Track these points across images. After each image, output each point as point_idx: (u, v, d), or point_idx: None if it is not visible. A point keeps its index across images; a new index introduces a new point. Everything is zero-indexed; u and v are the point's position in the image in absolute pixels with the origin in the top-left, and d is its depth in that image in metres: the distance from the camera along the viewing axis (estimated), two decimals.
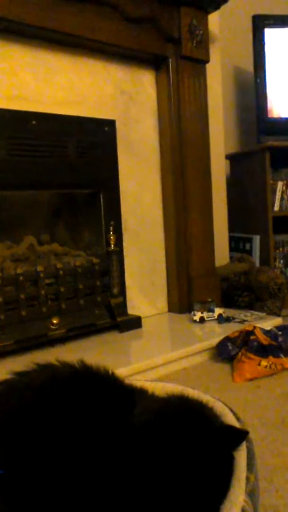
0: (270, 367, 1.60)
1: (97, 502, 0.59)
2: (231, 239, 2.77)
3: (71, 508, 0.59)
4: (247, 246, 2.76)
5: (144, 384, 0.88)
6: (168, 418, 0.65)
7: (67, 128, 1.86)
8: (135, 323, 2.00)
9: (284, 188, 2.70)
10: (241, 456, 0.67)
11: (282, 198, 2.69)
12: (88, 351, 1.72)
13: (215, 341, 1.77)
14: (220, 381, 1.58)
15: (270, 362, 1.60)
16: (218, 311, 2.05)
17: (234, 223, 2.77)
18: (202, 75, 2.25)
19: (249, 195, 2.76)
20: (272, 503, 0.91)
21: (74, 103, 1.93)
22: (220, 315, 2.04)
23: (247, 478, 0.64)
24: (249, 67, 2.79)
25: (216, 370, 1.68)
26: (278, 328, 1.79)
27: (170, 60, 2.13)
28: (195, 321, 2.04)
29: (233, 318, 2.06)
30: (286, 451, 1.11)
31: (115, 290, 1.97)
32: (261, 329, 1.75)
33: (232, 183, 2.89)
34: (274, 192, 2.68)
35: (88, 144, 1.93)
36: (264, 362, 1.60)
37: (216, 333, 1.89)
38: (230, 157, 2.88)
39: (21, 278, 1.69)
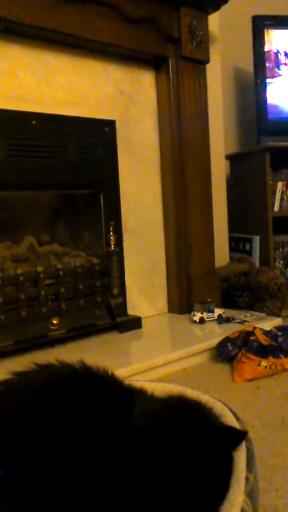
0: (270, 368, 1.60)
1: (97, 503, 0.59)
2: (231, 239, 2.77)
3: (71, 508, 0.59)
4: (247, 247, 2.76)
5: (144, 385, 0.88)
6: (167, 419, 0.65)
7: (67, 129, 1.86)
8: (135, 323, 2.00)
9: (284, 188, 2.70)
10: (240, 456, 0.67)
11: (282, 199, 2.69)
12: (88, 351, 1.72)
13: (215, 341, 1.77)
14: (220, 381, 1.58)
15: (270, 363, 1.60)
16: (218, 311, 2.05)
17: (234, 223, 2.77)
18: (202, 75, 2.25)
19: (249, 196, 2.76)
20: (272, 503, 0.91)
21: (74, 103, 1.93)
22: (220, 316, 2.04)
23: (247, 478, 0.64)
24: (249, 67, 2.79)
25: (216, 371, 1.68)
26: (278, 328, 1.79)
27: (170, 60, 2.13)
28: (195, 321, 2.04)
29: (233, 319, 2.06)
30: (286, 451, 1.11)
31: (115, 291, 1.97)
32: (261, 329, 1.75)
33: (232, 184, 2.89)
34: (274, 192, 2.68)
35: (88, 145, 1.93)
36: (264, 363, 1.60)
37: (216, 333, 1.89)
38: (230, 158, 2.88)
39: (21, 278, 1.69)
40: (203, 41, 2.19)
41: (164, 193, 2.25)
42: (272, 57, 2.71)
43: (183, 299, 2.24)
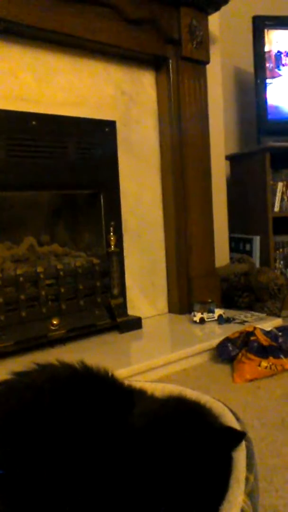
0: (270, 368, 1.60)
1: (97, 503, 0.59)
2: (231, 239, 2.77)
3: (71, 509, 0.59)
4: (247, 247, 2.76)
5: (144, 385, 0.88)
6: (167, 419, 0.65)
7: (67, 129, 1.86)
8: (135, 323, 2.00)
9: (284, 189, 2.70)
10: (240, 456, 0.67)
11: (282, 199, 2.69)
12: (88, 351, 1.72)
13: (215, 342, 1.77)
14: (220, 382, 1.58)
15: (270, 363, 1.60)
16: (218, 311, 2.05)
17: (234, 223, 2.77)
18: (202, 76, 2.25)
19: (249, 196, 2.76)
20: (271, 503, 0.91)
21: (74, 104, 1.93)
22: (220, 316, 2.04)
23: (247, 479, 0.64)
24: (249, 67, 2.79)
25: (216, 371, 1.68)
26: (278, 329, 1.78)
27: (170, 61, 2.13)
28: (195, 322, 2.04)
29: (233, 319, 2.06)
30: (286, 451, 1.11)
31: (115, 291, 1.97)
32: (261, 330, 1.75)
33: (232, 184, 2.89)
34: (274, 192, 2.68)
35: (88, 145, 1.93)
36: (264, 363, 1.60)
37: (216, 334, 1.89)
38: (230, 158, 2.88)
39: (21, 279, 1.69)
40: (203, 42, 2.19)
41: (164, 193, 2.25)
42: (272, 57, 2.71)
43: (183, 299, 2.24)
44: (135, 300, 2.15)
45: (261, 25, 2.66)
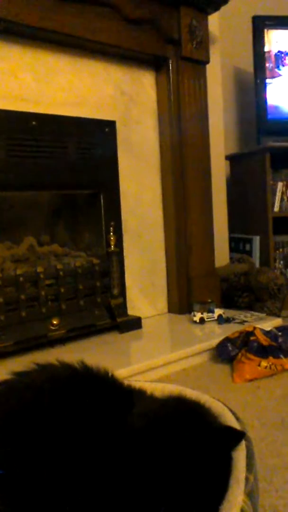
0: (270, 368, 1.60)
1: (97, 503, 0.59)
2: (231, 239, 2.77)
3: (71, 509, 0.59)
4: (247, 247, 2.76)
5: (143, 385, 0.88)
6: (167, 419, 0.65)
7: (67, 129, 1.86)
8: (135, 323, 2.00)
9: (284, 188, 2.70)
10: (240, 456, 0.67)
11: (282, 199, 2.69)
12: (88, 351, 1.72)
13: (215, 342, 1.77)
14: (220, 381, 1.58)
15: (270, 363, 1.60)
16: (218, 311, 2.05)
17: (234, 223, 2.77)
18: (202, 76, 2.25)
19: (249, 196, 2.76)
20: (271, 503, 0.91)
21: (74, 104, 1.93)
22: (220, 316, 2.04)
23: (247, 479, 0.64)
24: (249, 67, 2.79)
25: (216, 371, 1.68)
26: (278, 328, 1.78)
27: (170, 61, 2.14)
28: (195, 321, 2.04)
29: (233, 319, 2.06)
30: (286, 452, 1.11)
31: (115, 291, 1.97)
32: (261, 329, 1.75)
33: (232, 184, 2.89)
34: (274, 192, 2.68)
35: (88, 145, 1.93)
36: (264, 363, 1.60)
37: (216, 333, 1.89)
38: (230, 158, 2.88)
39: (21, 279, 1.69)
40: (203, 42, 2.19)
41: (164, 193, 2.25)
42: (272, 57, 2.71)
43: (183, 299, 2.24)
44: (135, 300, 2.15)
45: (261, 25, 2.66)
